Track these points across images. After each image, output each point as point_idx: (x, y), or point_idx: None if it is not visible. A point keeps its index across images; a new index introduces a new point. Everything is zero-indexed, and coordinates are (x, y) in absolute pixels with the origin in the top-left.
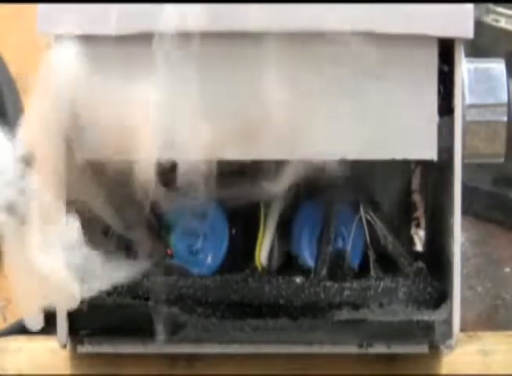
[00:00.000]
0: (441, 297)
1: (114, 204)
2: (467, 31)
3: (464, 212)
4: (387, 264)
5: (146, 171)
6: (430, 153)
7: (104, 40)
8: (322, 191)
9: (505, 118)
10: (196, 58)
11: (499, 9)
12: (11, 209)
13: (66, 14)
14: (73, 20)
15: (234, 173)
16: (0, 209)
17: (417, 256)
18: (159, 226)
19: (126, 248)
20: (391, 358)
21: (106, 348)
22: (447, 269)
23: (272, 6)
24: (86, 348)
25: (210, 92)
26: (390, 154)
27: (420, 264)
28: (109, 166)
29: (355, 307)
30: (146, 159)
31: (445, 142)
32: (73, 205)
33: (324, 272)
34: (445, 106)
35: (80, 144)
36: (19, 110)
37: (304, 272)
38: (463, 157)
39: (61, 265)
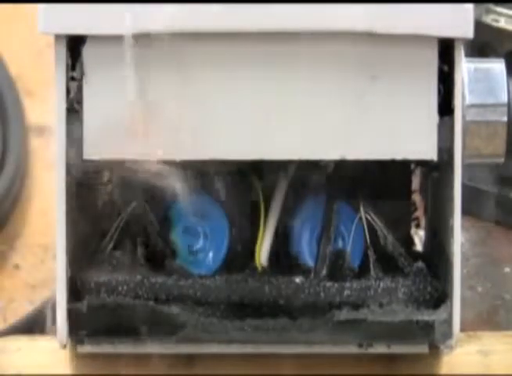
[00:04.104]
0: (441, 297)
1: (114, 204)
2: (467, 31)
3: (464, 212)
4: (387, 264)
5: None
6: (430, 153)
7: (106, 40)
8: (322, 191)
9: (505, 118)
10: (198, 58)
11: (499, 9)
12: None
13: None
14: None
15: (234, 173)
16: None
17: (417, 256)
18: (159, 226)
19: (126, 248)
20: (391, 358)
21: (106, 348)
22: (447, 269)
23: (274, 6)
24: (86, 348)
25: (210, 92)
26: (390, 154)
27: (420, 264)
28: (110, 166)
29: (355, 307)
30: (148, 159)
31: (445, 142)
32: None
33: (324, 272)
34: (445, 106)
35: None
36: (19, 110)
37: (304, 272)
38: (463, 157)
39: None
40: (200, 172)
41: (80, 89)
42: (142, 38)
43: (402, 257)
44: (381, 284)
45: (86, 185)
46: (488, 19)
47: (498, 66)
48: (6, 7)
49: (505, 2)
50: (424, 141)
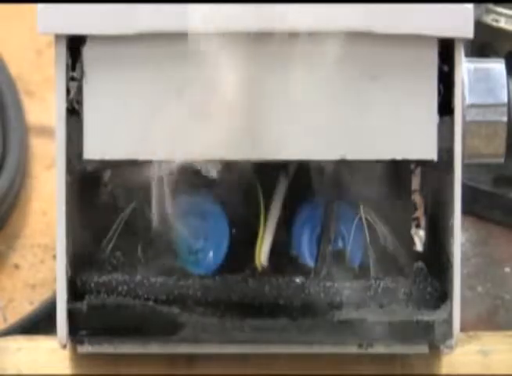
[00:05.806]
0: (441, 297)
1: (114, 204)
2: (467, 31)
3: (464, 212)
4: (387, 264)
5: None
6: (430, 153)
7: (106, 40)
8: (322, 191)
9: (505, 118)
10: (197, 58)
11: (499, 9)
12: None
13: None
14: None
15: (235, 173)
16: None
17: (417, 256)
18: (159, 226)
19: (126, 248)
20: (391, 358)
21: (106, 348)
22: (447, 269)
23: (274, 6)
24: (86, 348)
25: (210, 92)
26: (390, 154)
27: (420, 264)
28: (110, 166)
29: (355, 307)
30: (148, 159)
31: (445, 142)
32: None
33: (324, 272)
34: (445, 106)
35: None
36: (19, 110)
37: (304, 272)
38: (463, 157)
39: None
40: (201, 172)
41: (80, 89)
42: (142, 38)
43: (402, 257)
44: (381, 284)
45: (86, 185)
46: (488, 19)
47: (498, 66)
48: (6, 7)
49: (505, 2)
50: (424, 141)
